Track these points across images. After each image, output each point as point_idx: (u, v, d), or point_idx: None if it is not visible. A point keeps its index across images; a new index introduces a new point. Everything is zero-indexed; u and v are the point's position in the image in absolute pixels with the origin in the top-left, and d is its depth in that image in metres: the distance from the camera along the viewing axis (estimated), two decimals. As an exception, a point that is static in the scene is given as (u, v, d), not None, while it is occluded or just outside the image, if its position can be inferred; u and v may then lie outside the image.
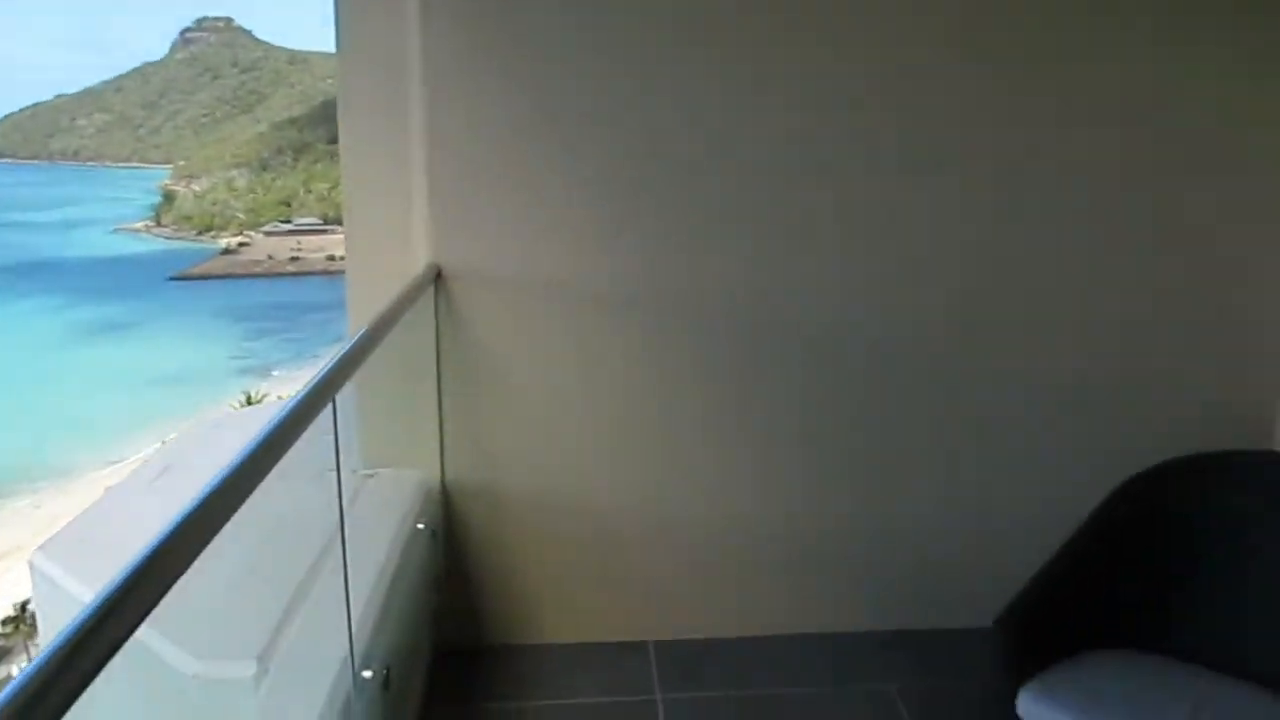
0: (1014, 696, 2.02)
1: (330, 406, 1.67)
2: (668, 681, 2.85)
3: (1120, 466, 2.42)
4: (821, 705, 2.76)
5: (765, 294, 2.85)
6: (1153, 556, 2.31)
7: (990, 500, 3.06)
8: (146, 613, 0.92)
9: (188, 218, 64.23)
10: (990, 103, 2.79)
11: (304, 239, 58.03)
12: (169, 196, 67.10)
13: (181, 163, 71.85)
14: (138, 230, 64.45)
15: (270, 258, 58.08)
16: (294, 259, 57.24)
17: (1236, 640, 2.22)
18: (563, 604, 3.03)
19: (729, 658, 2.98)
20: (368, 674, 1.94)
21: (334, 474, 1.84)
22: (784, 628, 3.10)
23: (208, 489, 1.12)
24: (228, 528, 1.16)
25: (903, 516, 3.06)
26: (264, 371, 41.27)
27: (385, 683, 2.00)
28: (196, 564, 1.06)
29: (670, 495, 2.98)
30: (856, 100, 2.76)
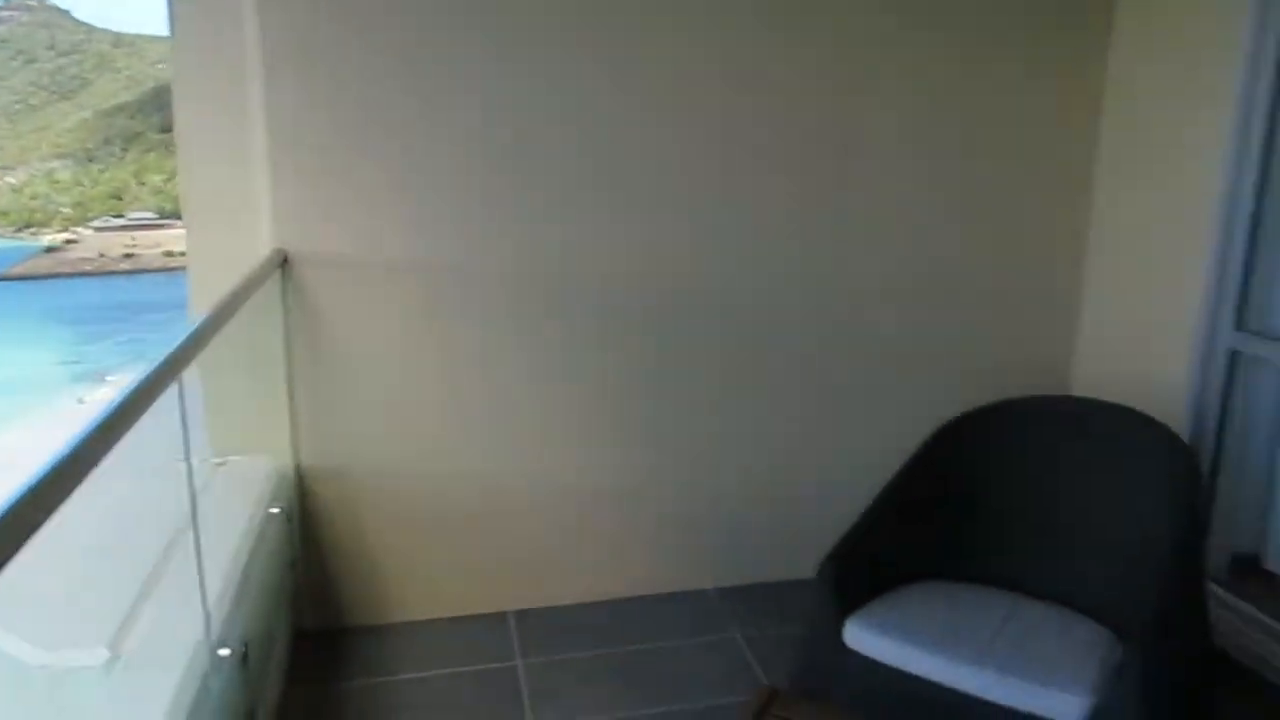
0: (841, 628, 2.21)
1: (177, 394, 1.68)
2: (528, 648, 2.96)
3: (937, 418, 2.66)
4: (674, 657, 2.91)
5: (603, 268, 2.98)
6: (963, 494, 2.55)
7: (825, 457, 3.28)
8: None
9: (3, 213, 59.86)
10: (814, 85, 2.99)
11: (138, 234, 54.88)
12: (-23, 191, 62.37)
13: (-9, 154, 66.81)
14: (-60, 229, 59.73)
15: (102, 255, 54.63)
16: (128, 256, 54.05)
17: (1039, 565, 2.48)
18: (421, 581, 3.09)
19: (586, 622, 3.10)
20: (225, 652, 1.97)
21: (183, 462, 1.86)
22: (638, 590, 3.25)
23: (38, 475, 1.08)
24: (71, 517, 1.15)
25: (747, 478, 3.25)
26: (99, 376, 39.05)
27: (244, 659, 2.03)
28: (40, 557, 1.04)
29: (522, 469, 3.07)
30: (688, 79, 2.91)
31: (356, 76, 2.71)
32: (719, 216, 3.03)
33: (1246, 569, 3.08)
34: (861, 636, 2.19)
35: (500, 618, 3.13)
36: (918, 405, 2.92)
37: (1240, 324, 2.86)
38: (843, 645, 2.20)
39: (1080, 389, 3.40)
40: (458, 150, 2.81)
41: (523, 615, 3.14)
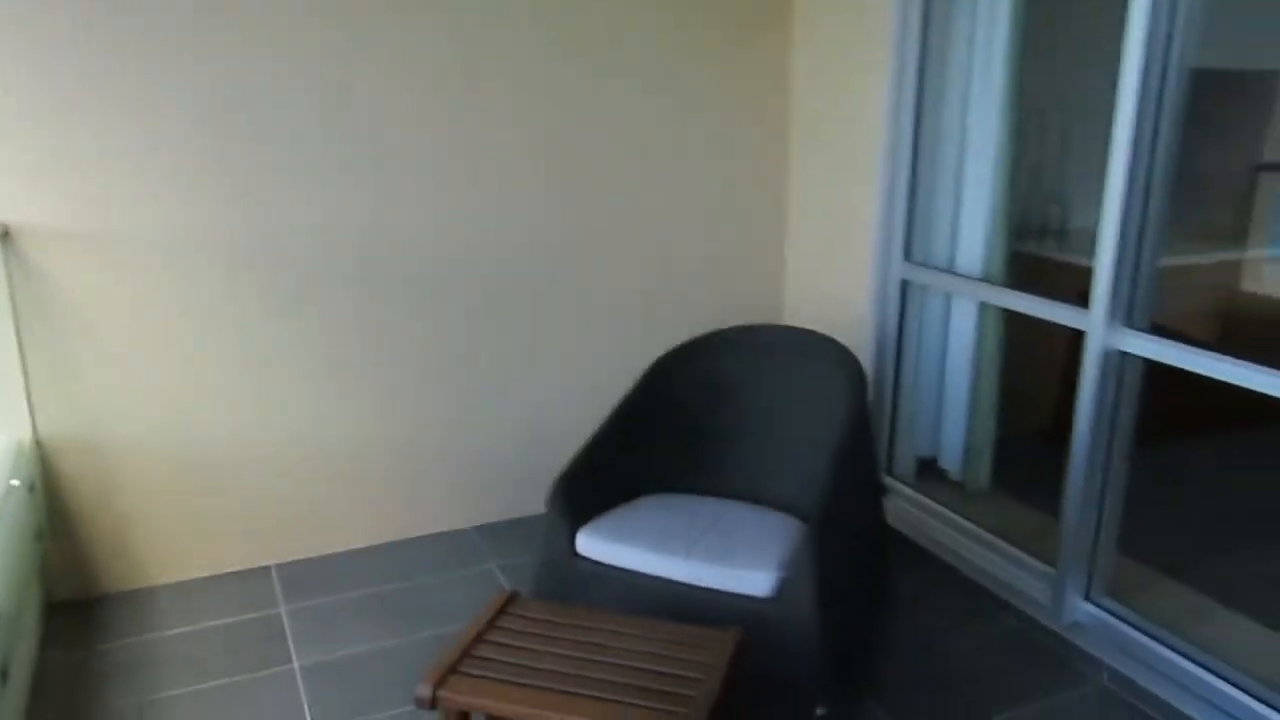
0: (573, 539, 2.50)
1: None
2: (291, 595, 3.08)
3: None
4: (434, 590, 3.12)
5: (344, 230, 3.10)
6: (680, 416, 2.90)
7: (569, 399, 3.56)
8: None
9: None
10: (540, 54, 3.22)
11: None
12: None
13: None
14: None
15: None
16: None
17: (745, 473, 2.86)
18: (177, 544, 3.14)
19: (347, 567, 3.26)
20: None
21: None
22: (398, 535, 3.44)
23: None
24: None
25: (495, 424, 3.49)
26: None
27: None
28: None
29: (270, 428, 3.17)
30: (419, 46, 3.07)
31: (83, 42, 2.69)
32: (462, 178, 3.21)
33: (926, 469, 3.64)
34: (590, 544, 2.48)
35: (263, 571, 3.23)
36: (652, 351, 3.24)
37: (908, 256, 3.35)
38: (575, 553, 2.49)
39: (791, 323, 3.85)
40: (184, 116, 2.84)
41: (285, 568, 3.25)
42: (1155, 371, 2.52)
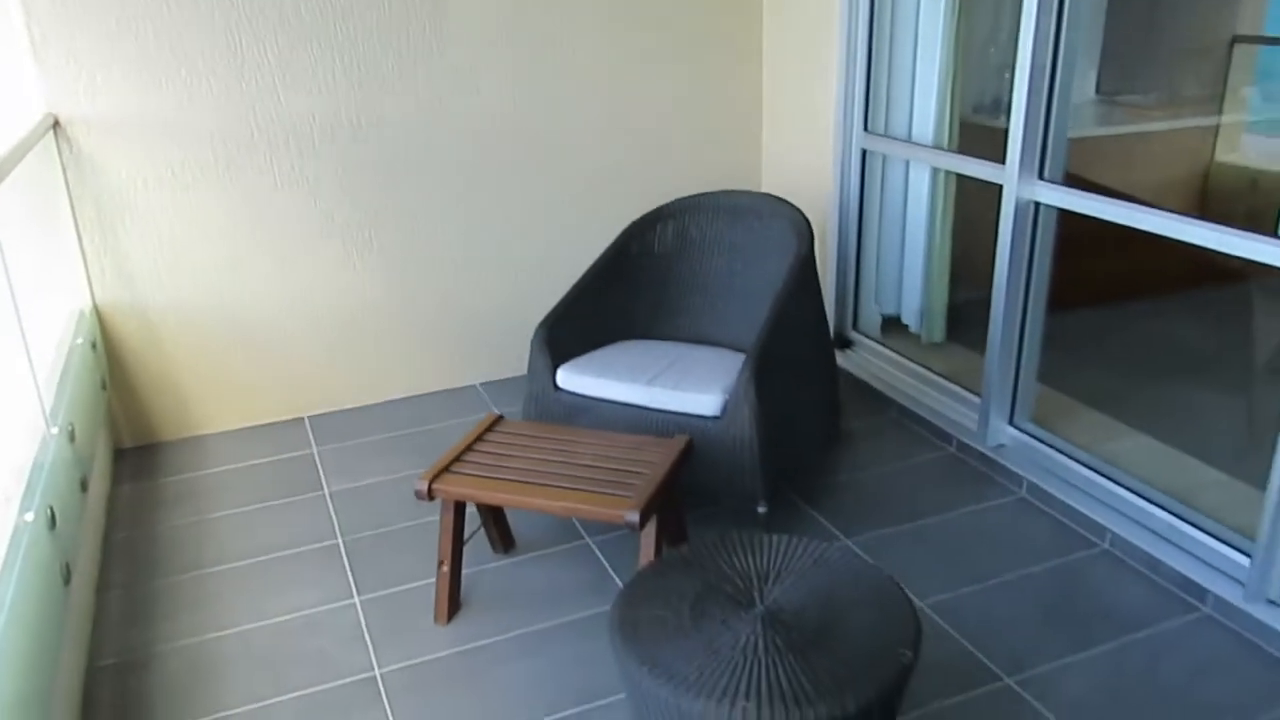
0: (554, 375, 2.91)
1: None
2: (321, 439, 3.55)
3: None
4: (445, 433, 3.57)
5: (363, 113, 3.46)
6: (654, 270, 3.27)
7: (553, 262, 3.93)
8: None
9: None
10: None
11: None
12: None
13: None
14: None
15: None
16: None
17: (709, 320, 3.25)
18: (222, 398, 3.60)
19: (370, 418, 3.71)
20: (55, 430, 2.47)
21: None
22: (415, 391, 3.88)
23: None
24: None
25: (497, 290, 3.88)
26: None
27: (70, 435, 2.54)
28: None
29: (300, 295, 3.59)
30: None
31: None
32: (467, 65, 3.54)
33: (891, 325, 3.99)
34: (568, 378, 2.89)
35: (297, 422, 3.69)
36: (628, 213, 3.58)
37: (867, 126, 3.65)
38: (556, 387, 2.90)
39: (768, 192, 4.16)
40: (222, 10, 3.19)
41: (316, 419, 3.72)
42: (1106, 234, 2.74)
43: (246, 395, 3.63)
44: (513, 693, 2.27)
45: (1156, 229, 2.50)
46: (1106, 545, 2.75)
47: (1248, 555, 2.40)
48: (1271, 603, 2.34)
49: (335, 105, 3.42)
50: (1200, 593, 2.49)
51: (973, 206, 3.63)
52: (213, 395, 3.59)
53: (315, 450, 3.48)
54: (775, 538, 2.01)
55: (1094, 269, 4.31)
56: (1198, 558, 2.53)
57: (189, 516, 3.07)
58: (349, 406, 3.79)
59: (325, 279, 3.61)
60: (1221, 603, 2.43)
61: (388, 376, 3.83)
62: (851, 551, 2.02)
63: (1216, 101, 4.97)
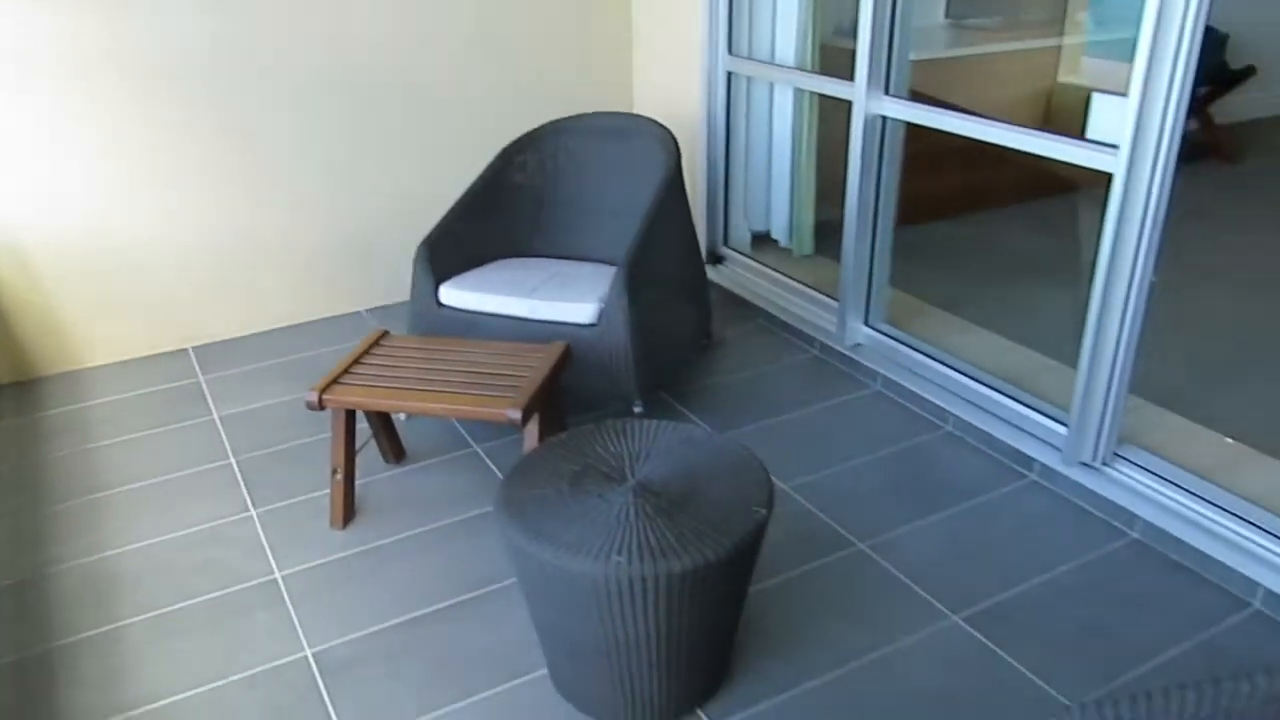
0: (437, 292, 3.02)
1: None
2: (207, 368, 3.58)
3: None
4: (333, 358, 3.64)
5: (246, 48, 3.45)
6: (529, 191, 3.39)
7: (434, 188, 4.01)
8: None
9: None
10: None
11: None
12: None
13: None
14: None
15: None
16: None
17: (584, 237, 3.40)
18: (100, 331, 3.59)
19: (256, 346, 3.75)
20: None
21: None
22: (300, 319, 3.93)
23: None
24: None
25: (373, 217, 3.94)
26: None
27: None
28: None
29: (172, 224, 3.58)
30: None
31: None
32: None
33: (762, 241, 4.21)
34: (450, 294, 3.01)
35: (182, 353, 3.71)
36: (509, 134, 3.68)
37: (731, 49, 3.81)
38: (439, 303, 3.02)
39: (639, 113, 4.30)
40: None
41: (200, 349, 3.74)
42: (953, 152, 2.98)
43: (128, 328, 3.63)
44: (410, 585, 2.43)
45: (983, 136, 2.75)
46: (949, 428, 3.05)
47: (1065, 425, 2.71)
48: (1084, 464, 2.66)
49: (202, 28, 3.40)
50: (1028, 462, 2.80)
51: (840, 128, 3.85)
52: (88, 328, 3.57)
53: (202, 379, 3.52)
54: (646, 423, 2.20)
55: (942, 184, 4.63)
56: (1025, 431, 2.84)
57: (77, 446, 3.10)
58: (234, 336, 3.82)
59: (200, 209, 3.61)
60: (1045, 469, 2.75)
61: (271, 305, 3.87)
62: (714, 433, 2.22)
63: (1057, 25, 5.30)
